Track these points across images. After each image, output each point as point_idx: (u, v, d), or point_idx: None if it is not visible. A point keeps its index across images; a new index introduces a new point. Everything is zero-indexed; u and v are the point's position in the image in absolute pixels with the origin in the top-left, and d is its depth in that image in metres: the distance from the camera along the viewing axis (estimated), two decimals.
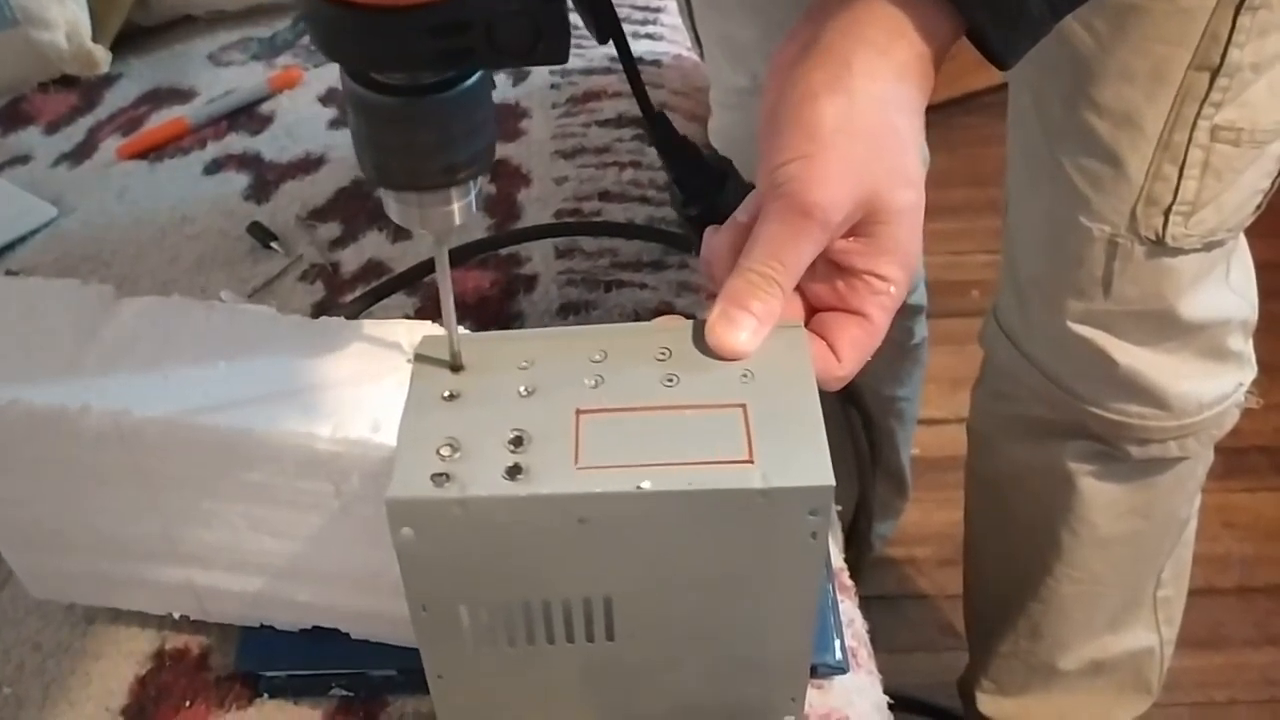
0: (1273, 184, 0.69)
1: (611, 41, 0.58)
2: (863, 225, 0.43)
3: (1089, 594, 0.91)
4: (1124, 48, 0.62)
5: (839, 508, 0.80)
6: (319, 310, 0.73)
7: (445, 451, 0.39)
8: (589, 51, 0.95)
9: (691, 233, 0.75)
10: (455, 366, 0.42)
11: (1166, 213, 0.67)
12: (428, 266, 0.71)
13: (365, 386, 0.43)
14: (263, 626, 0.52)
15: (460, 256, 0.74)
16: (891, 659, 0.62)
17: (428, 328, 0.45)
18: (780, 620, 0.43)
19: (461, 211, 0.39)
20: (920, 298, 1.11)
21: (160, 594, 0.52)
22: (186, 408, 0.43)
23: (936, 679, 1.14)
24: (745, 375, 0.41)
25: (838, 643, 0.53)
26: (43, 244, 0.81)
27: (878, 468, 0.94)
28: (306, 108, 0.93)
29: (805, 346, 0.43)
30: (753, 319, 0.42)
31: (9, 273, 0.78)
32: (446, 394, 0.41)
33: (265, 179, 0.85)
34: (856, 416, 0.84)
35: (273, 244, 0.78)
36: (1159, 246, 0.68)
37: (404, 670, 0.51)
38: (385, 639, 0.51)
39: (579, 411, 0.40)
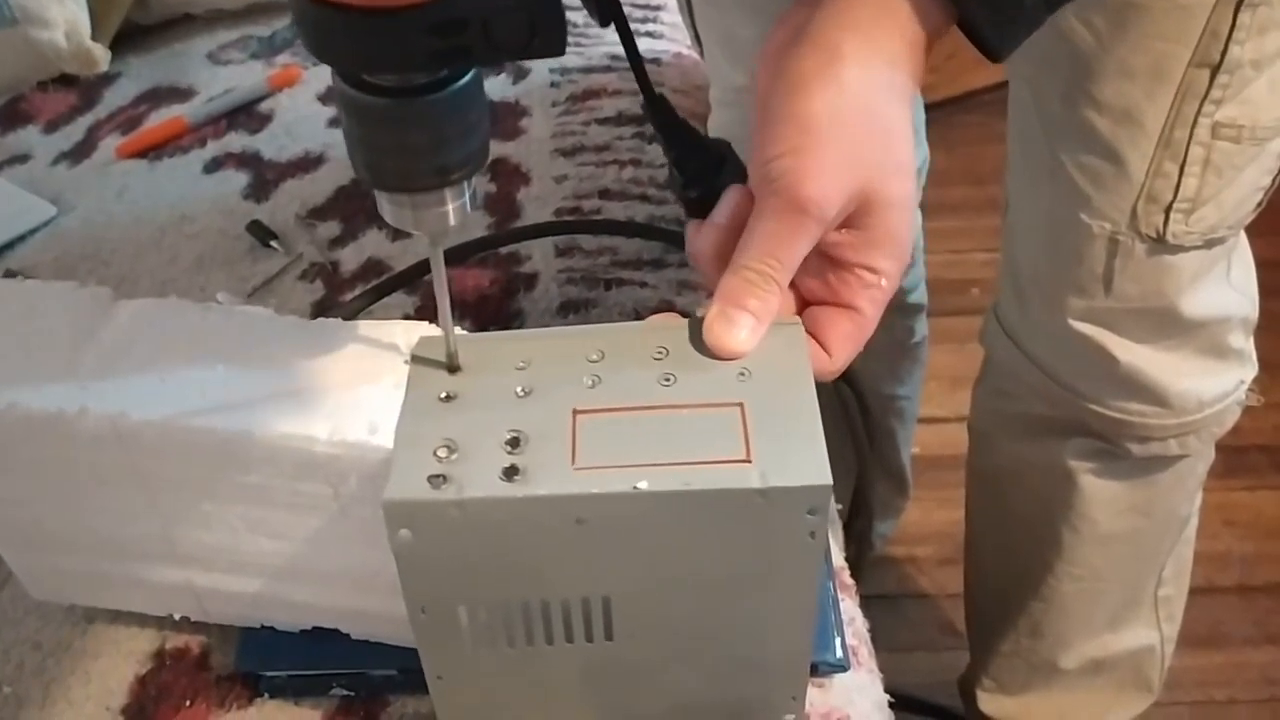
0: (1273, 181, 0.68)
1: (614, 25, 0.57)
2: (855, 217, 0.42)
3: (1090, 592, 0.91)
4: (1123, 45, 0.62)
5: (839, 506, 0.80)
6: (319, 309, 0.73)
7: (442, 453, 0.39)
8: (588, 49, 0.96)
9: (691, 215, 0.74)
10: (452, 367, 0.42)
11: (1167, 210, 0.67)
12: (427, 265, 0.71)
13: (362, 388, 0.43)
14: (263, 626, 0.52)
15: (460, 255, 0.74)
16: (892, 658, 0.62)
17: (425, 328, 0.45)
18: (780, 619, 0.43)
19: (456, 213, 0.39)
20: (920, 296, 1.11)
21: (160, 595, 0.52)
22: (184, 410, 0.43)
23: (937, 678, 1.14)
24: (743, 374, 0.41)
25: (838, 641, 0.53)
26: (42, 243, 0.81)
27: (877, 466, 0.94)
28: (306, 106, 0.93)
29: (803, 344, 0.43)
30: (750, 317, 0.42)
31: (8, 272, 0.78)
32: (443, 395, 0.41)
33: (265, 178, 0.85)
34: (856, 414, 0.84)
35: (272, 243, 0.78)
36: (1160, 244, 0.68)
37: (404, 670, 0.51)
38: (385, 639, 0.51)
39: (576, 412, 0.40)
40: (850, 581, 0.59)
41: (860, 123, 0.41)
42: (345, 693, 0.52)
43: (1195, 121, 0.63)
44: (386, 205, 0.39)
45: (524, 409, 0.40)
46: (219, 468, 0.44)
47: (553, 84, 0.93)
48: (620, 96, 0.90)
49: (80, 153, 0.90)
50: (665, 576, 0.41)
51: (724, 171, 0.70)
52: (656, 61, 0.96)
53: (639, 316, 0.69)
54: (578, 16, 1.03)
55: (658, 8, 1.05)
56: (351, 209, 0.81)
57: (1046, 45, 0.66)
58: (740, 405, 0.40)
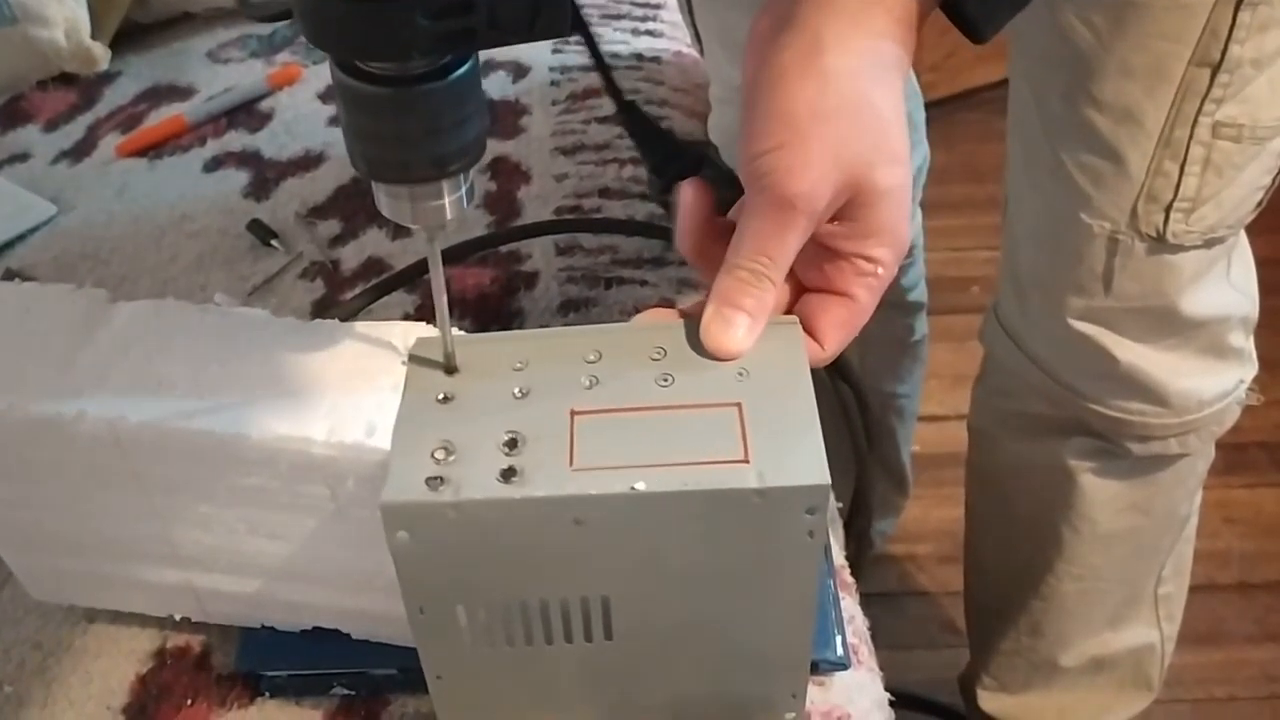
0: (1273, 180, 0.68)
1: (580, 35, 0.57)
2: (848, 208, 0.42)
3: (1090, 591, 0.91)
4: (1124, 44, 0.62)
5: (839, 504, 0.80)
6: (319, 307, 0.73)
7: (440, 455, 0.38)
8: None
9: (671, 219, 0.74)
10: (449, 368, 0.42)
11: (1167, 209, 0.67)
12: (427, 264, 0.71)
13: (360, 389, 0.43)
14: (263, 626, 0.52)
15: (460, 254, 0.74)
16: (892, 656, 0.62)
17: (422, 329, 0.45)
18: (779, 618, 0.43)
19: (453, 206, 0.39)
20: (921, 294, 1.11)
21: (160, 595, 0.52)
22: (181, 412, 0.43)
23: (937, 676, 1.14)
24: (740, 374, 0.41)
25: (839, 640, 0.53)
26: (42, 242, 0.81)
27: (877, 464, 0.94)
28: (306, 105, 0.93)
29: (800, 343, 0.42)
30: (746, 317, 0.41)
31: (8, 271, 0.78)
32: (441, 396, 0.41)
33: (265, 176, 0.85)
34: (856, 412, 0.84)
35: (272, 241, 0.78)
36: (1160, 243, 0.68)
37: (405, 669, 0.51)
38: (385, 638, 0.51)
39: (574, 413, 0.40)
40: (850, 580, 0.59)
41: (845, 115, 0.40)
42: (346, 692, 0.52)
43: (1195, 120, 0.63)
44: (384, 198, 0.39)
45: (521, 410, 0.40)
46: (217, 469, 0.44)
47: (553, 82, 0.93)
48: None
49: (80, 151, 0.90)
50: (664, 576, 0.41)
51: (702, 174, 0.70)
52: (657, 60, 0.96)
53: None
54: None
55: (658, 6, 1.05)
56: (352, 208, 0.81)
57: (1046, 44, 0.66)
58: (738, 405, 0.40)
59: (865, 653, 0.55)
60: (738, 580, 0.41)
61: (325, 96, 0.94)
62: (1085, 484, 0.84)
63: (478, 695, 0.45)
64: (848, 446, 0.86)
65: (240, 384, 0.44)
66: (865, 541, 1.01)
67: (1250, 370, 0.80)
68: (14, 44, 0.94)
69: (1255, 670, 1.24)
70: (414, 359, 0.42)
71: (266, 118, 0.92)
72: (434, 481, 0.38)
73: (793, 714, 0.47)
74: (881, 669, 0.56)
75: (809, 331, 0.44)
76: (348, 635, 0.51)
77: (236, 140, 0.89)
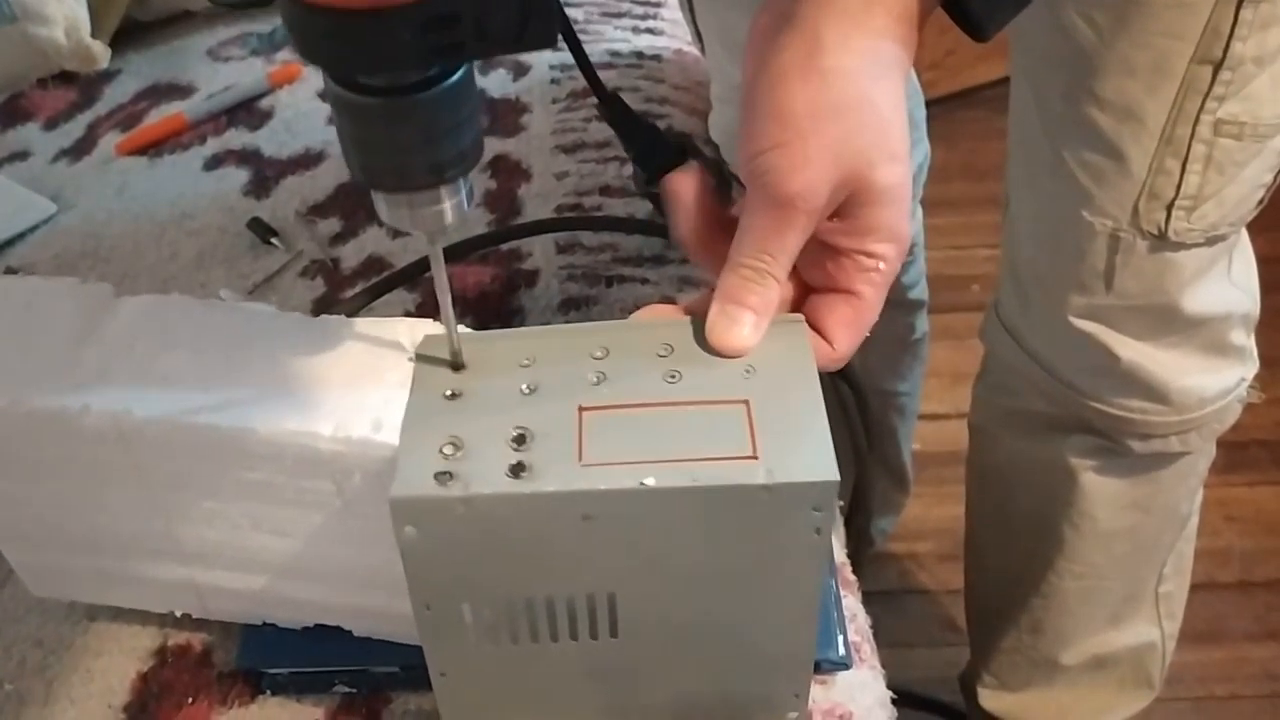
0: (1275, 178, 0.68)
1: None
2: (848, 205, 0.42)
3: (1090, 589, 0.91)
4: (1125, 41, 0.62)
5: (840, 503, 0.80)
6: (319, 306, 0.73)
7: (448, 450, 0.38)
8: (589, 46, 0.95)
9: (658, 212, 0.74)
10: (456, 366, 0.42)
11: (1169, 207, 0.67)
12: (428, 262, 0.71)
13: (367, 385, 0.43)
14: (265, 624, 0.52)
15: (460, 252, 0.74)
16: (893, 654, 0.62)
17: (429, 326, 0.45)
18: (784, 616, 0.43)
19: (453, 210, 0.39)
20: (921, 292, 1.11)
21: (162, 592, 0.52)
22: (187, 407, 0.43)
23: (938, 674, 1.14)
24: (747, 371, 0.41)
25: (841, 639, 0.53)
26: (42, 240, 0.81)
27: (878, 463, 0.94)
28: (306, 103, 0.93)
29: (806, 341, 0.43)
30: (751, 314, 0.42)
31: (8, 269, 0.78)
32: (448, 393, 0.41)
33: (265, 175, 0.85)
34: (855, 411, 0.84)
35: (273, 240, 0.78)
36: (1161, 241, 0.68)
37: (407, 667, 0.51)
38: (388, 636, 0.51)
39: (582, 409, 0.40)
40: (852, 578, 0.59)
41: (844, 114, 0.41)
42: (347, 690, 0.52)
43: (1197, 118, 0.63)
44: (383, 205, 0.39)
45: (529, 406, 0.40)
46: (222, 464, 0.44)
47: (553, 80, 0.93)
48: (621, 93, 0.89)
49: (80, 150, 0.90)
50: (670, 573, 0.41)
51: (685, 165, 0.70)
52: (657, 58, 0.96)
53: None
54: (578, 13, 1.03)
55: (658, 4, 1.04)
56: (352, 206, 0.81)
57: (1048, 42, 0.66)
58: (746, 402, 0.40)
59: (867, 651, 0.55)
60: (743, 577, 0.41)
61: (326, 94, 0.93)
62: (1086, 482, 0.84)
63: (481, 693, 0.45)
64: (847, 445, 0.86)
65: (246, 379, 0.44)
66: (865, 539, 1.01)
67: (1251, 368, 0.80)
68: (14, 42, 0.94)
69: (1256, 668, 1.24)
70: (421, 357, 0.42)
71: (267, 116, 0.92)
72: (443, 476, 0.38)
73: (795, 713, 0.47)
74: (882, 667, 0.56)
75: (818, 333, 0.44)
76: (349, 633, 0.51)
77: (237, 138, 0.89)
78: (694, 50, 0.96)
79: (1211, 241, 0.69)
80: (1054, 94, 0.68)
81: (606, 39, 0.98)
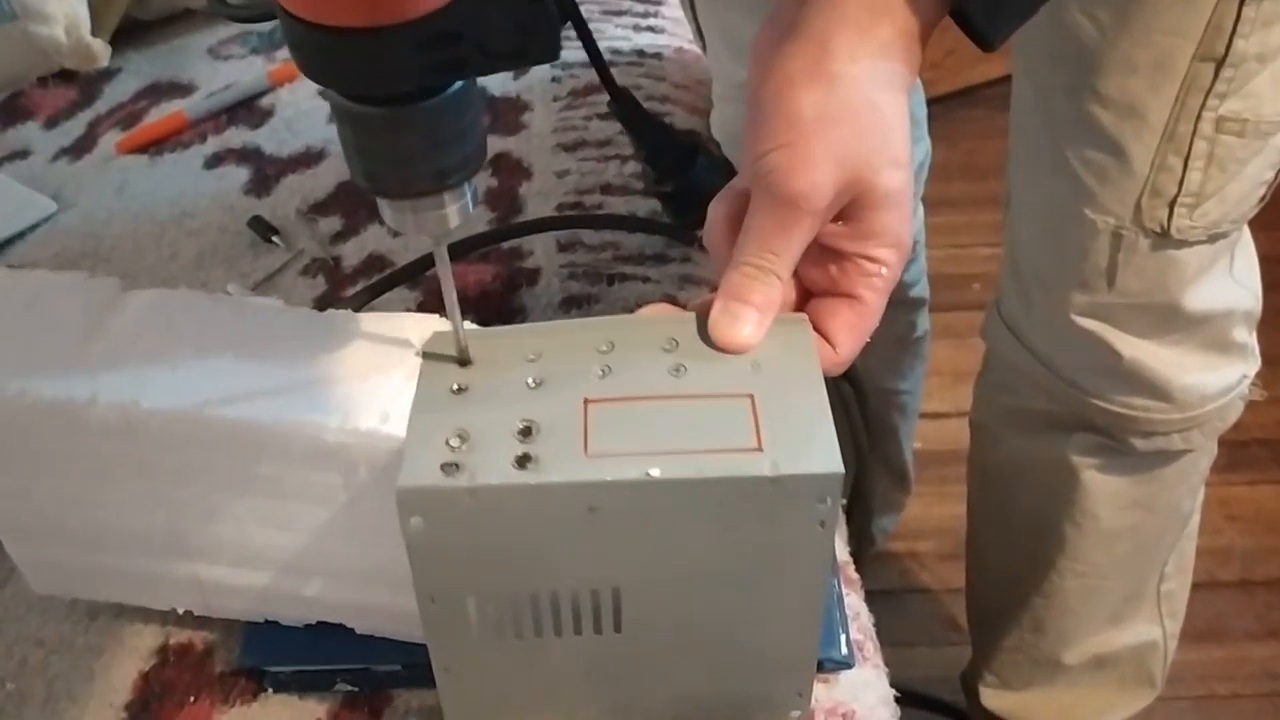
0: (1277, 175, 0.69)
1: (572, 22, 0.57)
2: (850, 209, 0.42)
3: (1092, 588, 0.91)
4: (1127, 38, 0.62)
5: (840, 501, 0.79)
6: (320, 304, 0.73)
7: (455, 442, 0.38)
8: None
9: (667, 210, 0.74)
10: (463, 361, 0.42)
11: (1171, 204, 0.67)
12: (429, 261, 0.71)
13: (374, 378, 0.43)
14: (267, 622, 0.52)
15: (461, 250, 0.74)
16: (894, 653, 0.62)
17: (435, 321, 0.45)
18: (787, 611, 0.43)
19: (457, 214, 0.39)
20: (922, 291, 1.11)
21: (164, 589, 0.52)
22: (194, 400, 0.43)
23: (939, 673, 1.14)
24: (752, 366, 0.41)
25: (843, 637, 0.53)
26: (42, 239, 0.80)
27: (879, 461, 0.94)
28: (306, 101, 0.93)
29: (810, 338, 0.43)
30: (754, 311, 0.42)
31: (9, 267, 0.78)
32: (455, 387, 0.41)
33: (265, 173, 0.85)
34: (856, 409, 0.84)
35: (274, 238, 0.78)
36: (1163, 238, 0.68)
37: (409, 665, 0.51)
38: (390, 634, 0.51)
39: (587, 401, 0.40)
40: (855, 576, 0.59)
41: (849, 118, 0.41)
42: (350, 688, 0.52)
43: (1199, 115, 0.63)
44: (387, 210, 0.39)
45: (535, 399, 0.40)
46: (229, 457, 0.44)
47: (554, 79, 0.93)
48: None
49: (80, 148, 0.90)
50: (675, 567, 0.41)
51: (696, 165, 0.70)
52: (658, 56, 0.96)
53: None
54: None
55: (659, 2, 1.04)
56: (353, 204, 0.81)
57: (1050, 39, 0.66)
58: (750, 396, 0.40)
59: (870, 649, 0.55)
60: (748, 571, 0.41)
61: (328, 102, 0.93)
62: (1088, 480, 0.84)
63: (484, 691, 0.45)
64: (849, 443, 0.86)
65: (253, 372, 0.44)
66: (866, 538, 1.01)
67: (1253, 365, 0.80)
68: (14, 40, 0.94)
69: (1257, 667, 1.24)
70: (428, 354, 0.42)
71: (267, 114, 0.92)
72: (449, 468, 0.38)
73: (798, 712, 0.47)
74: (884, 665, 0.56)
75: (821, 336, 0.44)
76: (352, 631, 0.51)
77: (237, 137, 0.89)
78: (695, 48, 0.96)
79: (1213, 239, 0.69)
80: (1056, 91, 0.68)
81: (607, 37, 0.98)
